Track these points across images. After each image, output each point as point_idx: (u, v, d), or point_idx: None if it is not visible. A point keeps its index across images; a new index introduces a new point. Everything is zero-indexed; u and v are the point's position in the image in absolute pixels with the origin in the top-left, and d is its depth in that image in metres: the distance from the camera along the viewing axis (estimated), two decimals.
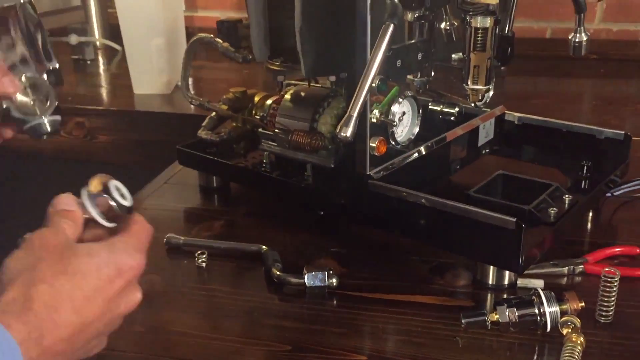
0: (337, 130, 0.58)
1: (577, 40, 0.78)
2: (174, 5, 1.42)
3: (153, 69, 1.36)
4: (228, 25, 0.82)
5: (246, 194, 0.89)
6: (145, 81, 1.37)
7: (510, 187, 0.80)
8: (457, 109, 0.81)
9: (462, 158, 0.88)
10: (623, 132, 0.85)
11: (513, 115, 0.94)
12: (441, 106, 0.82)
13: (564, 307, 0.59)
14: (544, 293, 0.59)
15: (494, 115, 0.91)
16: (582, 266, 0.69)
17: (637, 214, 0.83)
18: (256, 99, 0.88)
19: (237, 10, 1.83)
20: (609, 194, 0.84)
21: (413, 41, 0.74)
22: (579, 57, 0.82)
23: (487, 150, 0.93)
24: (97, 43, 1.75)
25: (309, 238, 0.78)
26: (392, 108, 0.72)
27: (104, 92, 1.53)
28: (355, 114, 0.57)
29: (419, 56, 0.75)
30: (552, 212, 0.71)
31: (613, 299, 0.60)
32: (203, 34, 0.82)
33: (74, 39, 1.64)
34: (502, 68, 0.85)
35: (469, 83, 0.77)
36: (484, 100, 0.87)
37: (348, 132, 0.57)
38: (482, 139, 0.91)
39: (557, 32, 1.72)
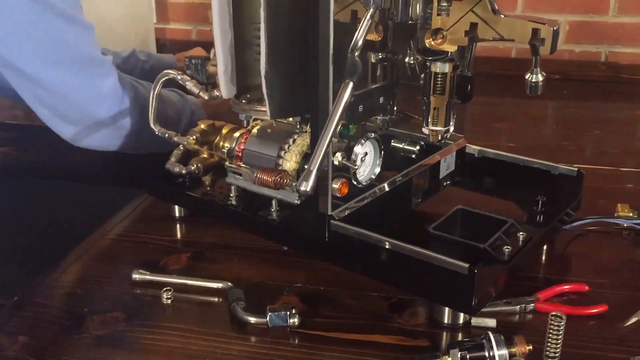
0: (297, 185, 0.60)
1: (533, 80, 0.81)
2: (144, 18, 1.43)
3: None
4: (196, 62, 0.84)
5: (214, 224, 0.90)
6: None
7: (469, 222, 0.84)
8: (418, 147, 0.84)
9: (423, 191, 0.91)
10: (576, 168, 0.88)
11: (473, 149, 0.97)
12: (403, 144, 0.84)
13: (513, 350, 0.62)
14: (494, 337, 0.62)
15: (454, 149, 0.94)
16: (533, 304, 0.72)
17: (589, 248, 0.87)
18: (224, 131, 0.90)
19: (208, 23, 1.84)
20: (563, 228, 0.88)
21: (374, 86, 0.76)
22: (536, 95, 0.84)
23: (448, 182, 0.96)
24: None
25: (274, 272, 0.80)
26: (355, 149, 0.75)
27: None
28: (314, 169, 0.60)
29: (381, 100, 0.77)
30: (507, 250, 0.74)
31: (559, 340, 0.63)
32: (171, 71, 0.83)
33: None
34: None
35: (428, 124, 0.79)
36: (445, 138, 0.90)
37: (308, 186, 0.59)
38: (443, 172, 0.94)
39: (521, 52, 1.76)
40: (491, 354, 0.61)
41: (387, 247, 0.70)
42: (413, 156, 0.85)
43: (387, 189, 0.81)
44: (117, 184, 0.99)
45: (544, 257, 0.85)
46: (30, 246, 1.19)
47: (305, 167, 0.63)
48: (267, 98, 0.73)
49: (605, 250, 0.86)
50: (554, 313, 0.63)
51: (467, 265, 0.65)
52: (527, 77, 0.82)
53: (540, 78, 0.80)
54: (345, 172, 0.74)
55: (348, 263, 0.76)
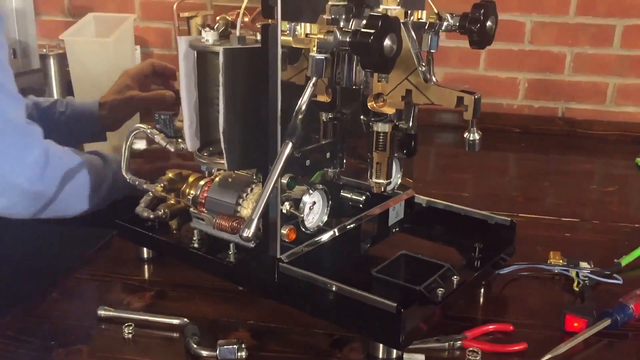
0: (240, 231, 0.68)
1: (471, 139, 0.90)
2: (127, 57, 1.52)
3: None
4: (165, 117, 0.93)
5: (180, 265, 0.98)
6: None
7: (410, 266, 0.92)
8: (364, 197, 0.92)
9: (372, 236, 0.99)
10: (509, 219, 0.97)
11: (422, 199, 1.06)
12: (351, 194, 0.93)
13: None
14: None
15: (402, 199, 1.03)
16: (460, 342, 0.80)
17: (520, 292, 0.95)
18: (190, 179, 0.98)
19: None
20: (497, 272, 0.96)
21: (321, 143, 0.85)
22: (474, 151, 0.92)
23: (397, 229, 1.04)
24: None
25: (229, 310, 0.87)
26: (303, 199, 0.83)
27: None
28: (255, 218, 0.68)
29: (327, 155, 0.86)
30: (440, 292, 0.82)
31: None
32: (142, 125, 0.92)
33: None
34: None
35: (372, 177, 0.88)
36: (392, 187, 0.99)
37: (250, 233, 0.67)
38: (392, 219, 1.02)
39: (484, 107, 1.87)
40: None
41: (328, 288, 0.78)
42: (360, 205, 0.93)
43: (336, 234, 0.90)
44: (90, 225, 1.06)
45: (478, 299, 0.93)
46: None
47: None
48: (225, 152, 0.82)
49: (534, 294, 0.94)
50: (470, 349, 0.71)
51: (395, 304, 0.73)
52: (465, 135, 0.92)
53: (477, 137, 0.90)
54: (294, 219, 0.82)
55: (295, 302, 0.83)
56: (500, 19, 1.74)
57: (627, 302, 0.86)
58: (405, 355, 0.77)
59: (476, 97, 0.78)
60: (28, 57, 1.86)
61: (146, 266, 1.00)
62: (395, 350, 0.77)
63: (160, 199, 1.00)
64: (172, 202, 0.98)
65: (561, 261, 0.98)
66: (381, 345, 0.77)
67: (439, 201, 1.05)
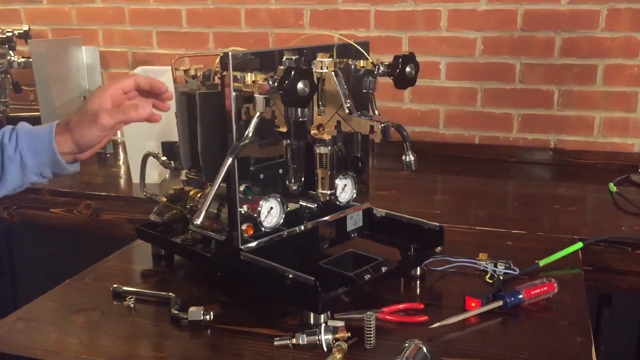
0: (191, 220, 0.95)
1: (407, 160, 1.13)
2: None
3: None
4: (168, 145, 1.23)
5: (183, 260, 1.26)
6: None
7: (356, 260, 1.16)
8: (315, 205, 1.17)
9: (332, 239, 1.23)
10: (439, 224, 1.19)
11: (378, 210, 1.29)
12: (306, 202, 1.18)
13: (336, 335, 0.93)
14: (323, 327, 0.93)
15: (360, 209, 1.27)
16: (376, 314, 1.03)
17: (443, 282, 1.16)
18: (191, 193, 1.27)
19: None
20: (424, 265, 1.18)
21: (272, 162, 1.12)
22: (411, 170, 1.15)
23: (356, 234, 1.28)
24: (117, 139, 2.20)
25: (209, 291, 1.14)
26: (260, 203, 1.10)
27: (111, 180, 1.95)
28: (203, 210, 0.95)
29: (280, 171, 1.12)
30: (367, 277, 1.07)
31: (372, 332, 0.94)
32: (150, 151, 1.23)
33: None
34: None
35: (319, 189, 1.14)
36: (348, 200, 1.23)
37: (198, 221, 0.95)
38: (350, 226, 1.26)
39: (482, 139, 2.08)
40: (319, 337, 0.93)
41: (275, 272, 1.03)
42: (309, 212, 1.17)
43: (290, 234, 1.15)
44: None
45: (409, 287, 1.15)
46: None
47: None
48: (203, 168, 1.11)
49: (455, 284, 1.15)
50: (367, 313, 0.94)
51: (312, 279, 0.97)
52: (403, 158, 1.14)
53: (412, 158, 1.12)
54: (252, 219, 1.09)
55: (252, 283, 1.09)
56: (491, 61, 2.00)
57: (520, 289, 1.06)
58: (329, 322, 1.01)
59: (383, 125, 1.02)
60: None
61: (160, 260, 1.29)
62: (322, 317, 1.01)
63: (170, 208, 1.29)
64: (176, 210, 1.27)
65: (485, 260, 1.19)
66: (312, 314, 1.01)
67: (391, 212, 1.27)
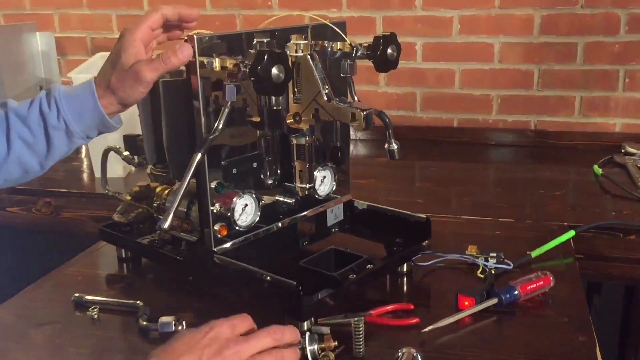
0: (158, 223, 0.86)
1: (390, 148, 1.05)
2: None
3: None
4: (130, 138, 1.13)
5: (151, 263, 1.16)
6: None
7: (337, 258, 1.08)
8: (293, 200, 1.09)
9: (312, 235, 1.15)
10: (425, 216, 1.11)
11: (359, 202, 1.21)
12: (283, 197, 1.09)
13: (322, 345, 0.85)
14: (308, 336, 0.85)
15: (340, 201, 1.19)
16: (363, 317, 0.95)
17: (432, 279, 1.09)
18: (157, 190, 1.17)
19: None
20: (412, 261, 1.10)
21: (245, 156, 1.03)
22: (394, 159, 1.07)
23: (337, 229, 1.19)
24: None
25: (180, 297, 1.05)
26: (233, 200, 1.00)
27: (72, 176, 1.83)
28: (171, 213, 0.86)
29: (254, 165, 1.03)
30: (352, 277, 0.98)
31: (361, 338, 0.86)
32: (111, 145, 1.12)
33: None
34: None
35: (297, 183, 1.05)
36: (327, 193, 1.14)
37: (165, 225, 0.85)
38: (330, 220, 1.18)
39: (462, 122, 2.01)
40: (304, 347, 0.85)
41: (251, 275, 0.95)
42: (285, 207, 1.09)
43: (269, 231, 1.06)
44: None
45: (395, 285, 1.08)
46: None
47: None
48: (169, 164, 1.01)
49: (445, 280, 1.08)
50: (355, 318, 0.86)
51: (294, 283, 0.89)
52: (385, 146, 1.06)
53: (395, 146, 1.04)
54: (225, 218, 0.99)
55: (227, 287, 1.00)
56: (470, 41, 1.92)
57: (514, 284, 0.99)
58: (313, 329, 0.93)
59: (365, 112, 0.94)
60: None
61: (124, 263, 1.19)
62: (305, 324, 0.93)
63: (135, 207, 1.19)
64: (142, 209, 1.17)
65: (474, 253, 1.12)
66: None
67: (373, 204, 1.20)
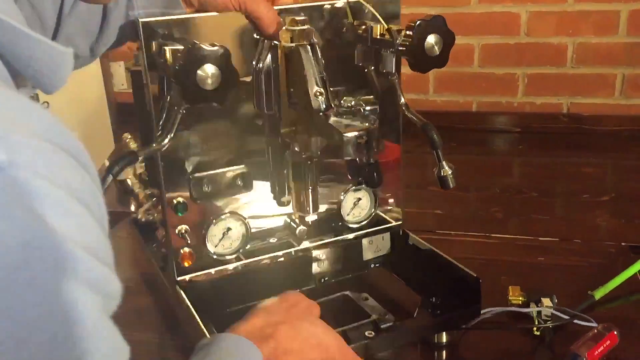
0: None
1: (442, 175, 0.79)
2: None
3: None
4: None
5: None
6: None
7: (344, 308, 0.84)
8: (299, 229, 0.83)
9: (338, 269, 0.89)
10: (475, 275, 0.81)
11: (413, 237, 0.92)
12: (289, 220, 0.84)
13: None
14: None
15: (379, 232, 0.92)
16: None
17: (474, 343, 0.83)
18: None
19: None
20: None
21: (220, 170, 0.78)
22: (448, 189, 0.81)
23: (377, 264, 0.93)
24: None
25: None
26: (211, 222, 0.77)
27: None
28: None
29: (238, 182, 0.79)
30: (369, 335, 0.75)
31: None
32: None
33: None
34: None
35: (294, 210, 0.80)
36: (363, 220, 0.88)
37: None
38: (368, 253, 0.92)
39: (482, 105, 1.74)
40: None
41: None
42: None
43: (260, 261, 0.82)
44: None
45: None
46: None
47: None
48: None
49: (489, 344, 0.82)
50: None
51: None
52: (435, 172, 0.80)
53: (450, 171, 0.78)
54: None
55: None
56: (492, 10, 1.64)
57: (578, 350, 0.75)
58: None
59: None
60: None
61: None
62: None
63: None
64: None
65: (521, 298, 0.87)
66: None
67: (425, 243, 0.90)
